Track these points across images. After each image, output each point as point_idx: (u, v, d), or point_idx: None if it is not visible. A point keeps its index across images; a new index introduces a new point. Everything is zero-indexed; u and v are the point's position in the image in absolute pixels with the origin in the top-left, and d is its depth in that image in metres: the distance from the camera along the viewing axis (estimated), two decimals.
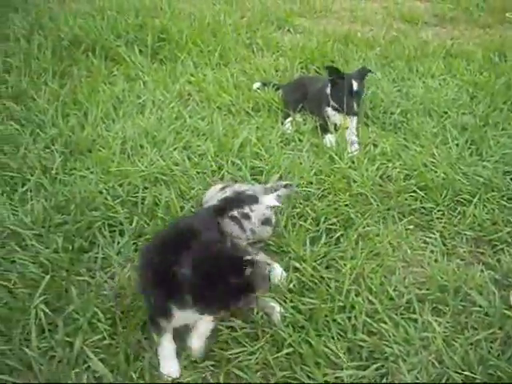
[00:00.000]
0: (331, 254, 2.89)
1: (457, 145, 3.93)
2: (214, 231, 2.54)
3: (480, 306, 2.62)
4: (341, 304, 2.56)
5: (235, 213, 2.74)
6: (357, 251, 2.90)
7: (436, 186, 3.43)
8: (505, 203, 3.36)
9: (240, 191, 2.92)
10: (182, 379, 2.24)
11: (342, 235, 3.05)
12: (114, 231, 2.98)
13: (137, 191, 3.24)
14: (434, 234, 3.15)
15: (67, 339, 2.33)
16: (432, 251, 3.02)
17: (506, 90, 4.79)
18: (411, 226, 3.21)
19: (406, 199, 3.36)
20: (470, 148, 3.93)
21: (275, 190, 3.10)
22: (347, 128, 4.01)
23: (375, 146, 3.90)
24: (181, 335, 2.33)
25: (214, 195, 2.99)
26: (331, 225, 3.11)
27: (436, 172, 3.57)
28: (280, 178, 3.35)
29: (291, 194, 3.20)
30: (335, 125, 4.08)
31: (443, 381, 2.26)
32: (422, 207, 3.33)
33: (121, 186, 3.28)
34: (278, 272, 2.72)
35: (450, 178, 3.48)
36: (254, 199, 2.83)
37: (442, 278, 2.77)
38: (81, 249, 2.86)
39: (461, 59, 5.50)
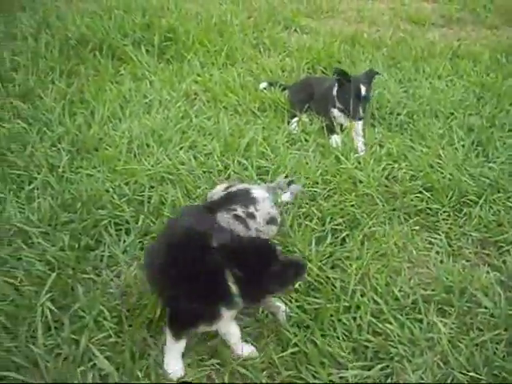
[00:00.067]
0: (337, 254, 2.89)
1: (463, 146, 3.92)
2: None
3: (485, 307, 2.62)
4: (346, 304, 2.57)
5: (240, 212, 2.75)
6: (362, 251, 2.90)
7: (442, 187, 3.42)
8: (511, 204, 3.36)
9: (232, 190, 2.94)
10: (187, 378, 2.25)
11: (347, 235, 3.05)
12: (120, 230, 2.99)
13: (143, 190, 3.25)
14: (439, 234, 3.15)
15: (73, 337, 2.34)
16: (438, 252, 3.02)
17: None
18: (417, 227, 3.21)
19: (412, 200, 3.36)
20: (476, 149, 3.93)
21: (279, 188, 3.12)
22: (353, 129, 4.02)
23: (381, 146, 3.90)
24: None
25: (216, 193, 3.00)
26: (337, 225, 3.11)
27: (442, 173, 3.56)
28: (286, 178, 3.36)
29: (298, 192, 3.21)
30: (341, 125, 4.08)
31: (448, 381, 2.26)
32: (428, 208, 3.33)
33: (127, 184, 3.30)
34: None
35: (455, 179, 3.48)
36: (247, 198, 2.84)
37: (447, 278, 2.77)
38: (87, 247, 2.87)
39: (468, 60, 5.50)
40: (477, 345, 2.42)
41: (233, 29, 5.86)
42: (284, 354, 2.35)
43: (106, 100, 4.28)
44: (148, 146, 3.73)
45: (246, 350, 2.35)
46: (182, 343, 2.26)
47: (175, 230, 2.48)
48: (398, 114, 4.35)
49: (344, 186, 3.40)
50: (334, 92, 4.09)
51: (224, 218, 2.70)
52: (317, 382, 2.24)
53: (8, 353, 2.26)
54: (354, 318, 2.51)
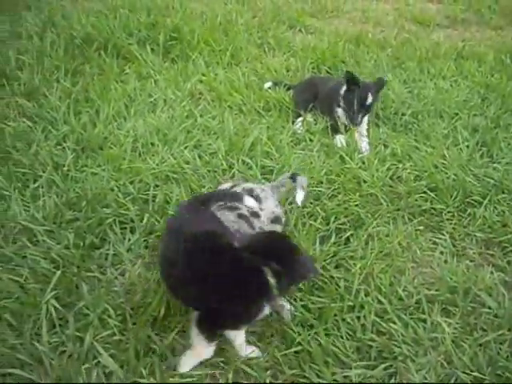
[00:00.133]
0: (341, 254, 2.89)
1: (467, 146, 3.92)
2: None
3: (489, 308, 2.62)
4: (350, 303, 2.57)
5: (244, 211, 2.75)
6: (366, 251, 2.90)
7: (446, 187, 3.42)
8: None
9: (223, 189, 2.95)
10: (191, 376, 2.25)
11: (351, 235, 3.06)
12: (125, 228, 3.00)
13: (148, 189, 3.26)
14: (443, 235, 3.15)
15: (78, 334, 2.35)
16: (442, 252, 3.02)
17: None
18: (421, 227, 3.21)
19: (416, 200, 3.36)
20: (480, 150, 3.92)
21: (282, 186, 3.11)
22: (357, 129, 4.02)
23: (386, 146, 3.90)
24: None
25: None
26: (341, 224, 3.12)
27: (446, 173, 3.56)
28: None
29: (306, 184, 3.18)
30: (345, 125, 4.08)
31: (452, 381, 2.27)
32: (432, 208, 3.33)
33: (132, 183, 3.30)
34: None
35: (460, 180, 3.48)
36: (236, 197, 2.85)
37: (451, 279, 2.77)
38: (92, 245, 2.88)
39: (472, 61, 5.49)
40: (480, 345, 2.43)
41: (238, 28, 5.86)
42: (287, 352, 2.35)
43: (111, 99, 4.29)
44: (153, 144, 3.74)
45: (250, 351, 2.35)
46: (213, 347, 2.28)
47: (188, 235, 2.34)
48: (403, 114, 4.35)
49: (348, 185, 3.40)
50: (342, 92, 4.07)
51: (227, 217, 2.70)
52: (320, 381, 2.25)
53: (13, 350, 2.27)
54: (358, 318, 2.51)
